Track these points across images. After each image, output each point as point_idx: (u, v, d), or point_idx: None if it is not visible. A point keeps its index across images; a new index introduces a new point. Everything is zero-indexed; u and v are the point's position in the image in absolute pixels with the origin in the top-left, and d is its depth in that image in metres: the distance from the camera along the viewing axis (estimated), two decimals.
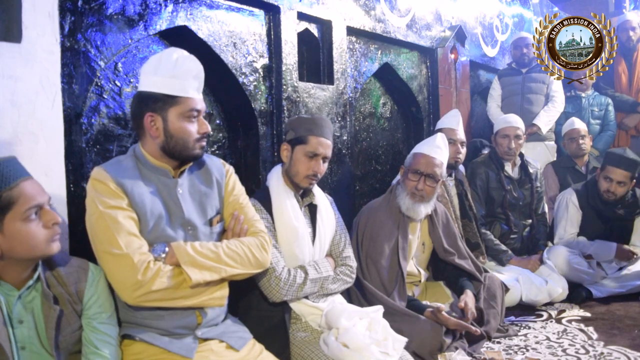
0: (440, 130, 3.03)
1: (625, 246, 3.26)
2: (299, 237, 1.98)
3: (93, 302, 1.43)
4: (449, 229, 2.64)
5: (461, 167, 3.46)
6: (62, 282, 1.40)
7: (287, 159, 2.05)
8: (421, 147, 2.50)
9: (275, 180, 2.04)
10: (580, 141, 3.93)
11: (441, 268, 2.65)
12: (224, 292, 1.58)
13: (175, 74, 1.56)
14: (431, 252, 2.67)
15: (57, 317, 1.34)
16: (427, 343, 2.11)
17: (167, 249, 1.51)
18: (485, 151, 3.89)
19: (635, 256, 3.23)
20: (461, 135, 3.09)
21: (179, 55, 1.59)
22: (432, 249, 2.64)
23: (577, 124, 4.00)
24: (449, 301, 2.57)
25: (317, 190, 2.14)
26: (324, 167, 2.04)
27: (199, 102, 1.61)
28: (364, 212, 2.52)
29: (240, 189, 1.78)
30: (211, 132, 1.66)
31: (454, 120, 3.13)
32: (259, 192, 2.05)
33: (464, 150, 3.12)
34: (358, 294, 2.31)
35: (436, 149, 2.45)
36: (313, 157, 2.00)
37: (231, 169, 1.80)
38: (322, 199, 2.14)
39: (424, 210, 2.44)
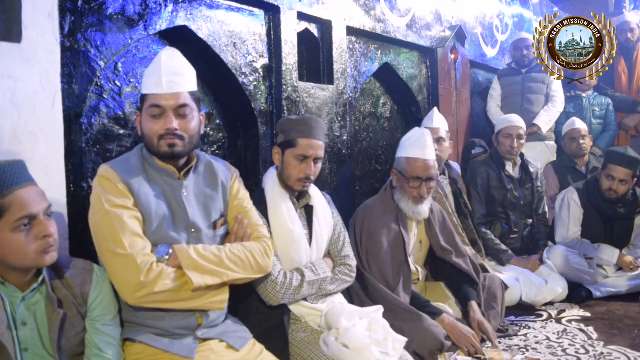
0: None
1: (628, 257, 3.25)
2: (295, 239, 1.96)
3: (97, 304, 1.43)
4: (445, 226, 2.65)
5: (456, 166, 3.47)
6: (68, 285, 1.39)
7: (279, 163, 2.03)
8: (412, 151, 2.45)
9: (271, 183, 2.03)
10: (581, 141, 3.93)
11: (439, 267, 2.65)
12: (224, 296, 1.57)
13: (148, 73, 1.58)
14: (428, 251, 2.67)
15: (60, 320, 1.33)
16: (428, 343, 2.10)
17: (170, 251, 1.51)
18: (475, 151, 3.88)
19: (637, 267, 3.23)
20: (439, 132, 3.11)
21: (159, 55, 1.60)
22: (429, 248, 2.64)
23: (578, 124, 3.99)
24: (448, 301, 2.57)
25: (314, 190, 2.13)
26: (316, 168, 2.01)
27: (166, 97, 1.53)
28: (359, 212, 2.52)
29: (245, 193, 1.78)
30: (175, 128, 1.54)
31: (429, 119, 3.19)
32: (255, 195, 2.03)
33: (444, 147, 3.13)
34: (359, 290, 2.29)
35: (427, 150, 2.44)
36: (304, 160, 1.97)
37: (236, 173, 1.79)
38: (319, 200, 2.12)
39: (427, 208, 2.47)
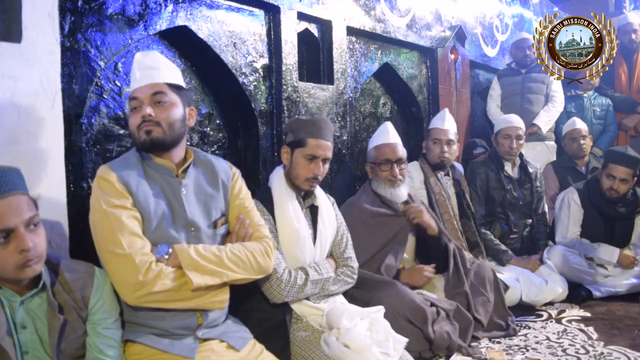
0: (431, 129, 3.19)
1: (628, 252, 3.25)
2: (300, 238, 1.98)
3: (98, 308, 1.42)
4: (429, 212, 2.69)
5: (459, 167, 3.46)
6: (68, 289, 1.37)
7: (287, 162, 2.05)
8: (377, 140, 2.66)
9: (277, 181, 2.05)
10: (582, 141, 3.92)
11: (425, 251, 2.68)
12: (224, 296, 1.57)
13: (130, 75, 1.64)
14: (416, 241, 2.68)
15: (60, 326, 1.32)
16: (408, 306, 2.15)
17: (170, 250, 1.50)
18: (476, 151, 3.88)
19: (637, 262, 3.22)
20: (449, 134, 3.10)
21: (135, 55, 1.65)
22: (417, 238, 2.66)
23: (579, 124, 3.98)
24: (435, 290, 2.57)
25: (319, 191, 2.15)
26: (324, 168, 2.04)
27: (141, 89, 1.57)
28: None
29: (246, 193, 1.78)
30: (149, 114, 1.56)
31: (439, 120, 3.18)
32: (261, 193, 2.05)
33: (453, 149, 3.12)
34: None
35: (391, 136, 2.63)
36: (312, 160, 2.00)
37: (238, 172, 1.79)
38: (323, 200, 2.14)
39: (405, 191, 2.58)
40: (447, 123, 3.14)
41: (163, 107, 1.58)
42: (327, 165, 2.06)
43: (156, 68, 1.61)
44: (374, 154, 2.63)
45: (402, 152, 2.61)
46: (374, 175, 2.63)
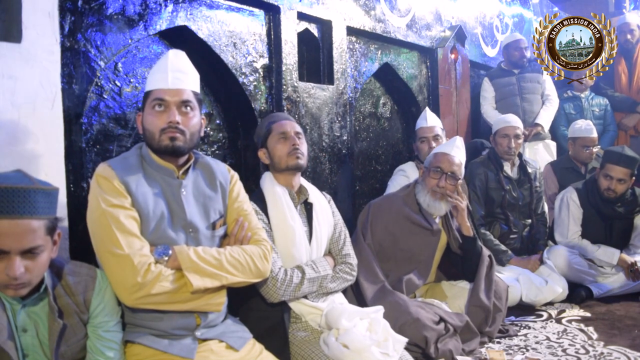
0: (417, 129, 3.25)
1: (628, 257, 3.23)
2: (296, 236, 1.98)
3: (99, 311, 1.42)
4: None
5: None
6: (70, 292, 1.37)
7: (268, 159, 2.08)
8: (441, 147, 2.59)
9: (269, 181, 2.05)
10: (594, 150, 3.89)
11: (451, 263, 2.65)
12: (222, 298, 1.57)
13: (153, 70, 1.61)
14: (442, 255, 2.65)
15: (59, 330, 1.32)
16: (411, 333, 2.10)
17: (170, 252, 1.50)
18: (485, 152, 3.88)
19: (637, 270, 3.20)
20: (436, 130, 3.18)
21: (166, 54, 1.64)
22: (443, 252, 2.64)
23: (594, 132, 3.86)
24: (445, 300, 2.57)
25: (311, 188, 2.15)
26: (301, 142, 2.06)
27: (170, 92, 1.56)
28: (375, 206, 2.55)
29: (244, 196, 1.79)
30: (177, 121, 1.55)
31: (422, 119, 3.24)
32: (255, 194, 2.06)
33: (442, 143, 3.15)
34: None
35: (455, 149, 2.52)
36: (286, 138, 2.03)
37: (236, 175, 1.80)
38: (317, 197, 2.14)
39: (445, 208, 2.49)
40: (429, 120, 3.20)
41: (188, 116, 1.59)
42: (303, 140, 2.08)
43: (186, 73, 1.61)
44: (431, 158, 2.55)
45: (459, 169, 2.48)
46: (421, 179, 2.54)
